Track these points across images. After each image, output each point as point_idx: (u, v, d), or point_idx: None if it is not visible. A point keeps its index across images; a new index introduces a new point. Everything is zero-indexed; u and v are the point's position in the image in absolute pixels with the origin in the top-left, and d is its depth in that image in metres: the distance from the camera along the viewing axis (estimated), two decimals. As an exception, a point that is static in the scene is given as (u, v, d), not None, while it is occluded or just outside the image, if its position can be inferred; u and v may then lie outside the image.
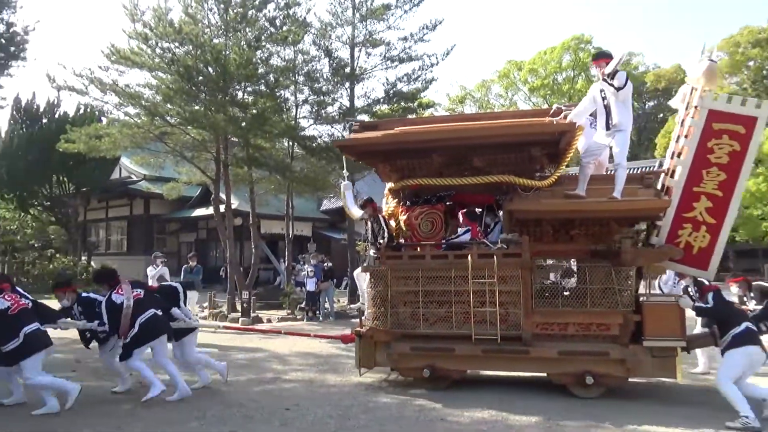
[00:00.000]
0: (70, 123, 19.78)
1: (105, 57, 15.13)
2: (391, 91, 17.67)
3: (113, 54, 15.01)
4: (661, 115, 37.40)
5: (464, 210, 7.54)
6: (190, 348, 7.12)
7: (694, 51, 12.60)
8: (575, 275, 7.09)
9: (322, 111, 17.12)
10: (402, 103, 17.81)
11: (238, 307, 14.94)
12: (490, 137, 6.74)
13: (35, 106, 25.47)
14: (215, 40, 15.15)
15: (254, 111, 14.91)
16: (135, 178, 27.31)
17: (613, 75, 6.41)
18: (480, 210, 7.58)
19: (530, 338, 6.57)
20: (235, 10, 15.25)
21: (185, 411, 6.03)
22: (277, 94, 16.17)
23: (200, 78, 14.74)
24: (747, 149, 6.54)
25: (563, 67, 40.69)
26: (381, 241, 7.16)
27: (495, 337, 6.61)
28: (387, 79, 18.00)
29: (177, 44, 14.84)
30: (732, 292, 7.04)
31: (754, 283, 6.84)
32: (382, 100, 17.84)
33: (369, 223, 7.65)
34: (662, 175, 7.10)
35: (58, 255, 24.56)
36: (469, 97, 40.99)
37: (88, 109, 23.79)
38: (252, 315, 14.17)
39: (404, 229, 7.44)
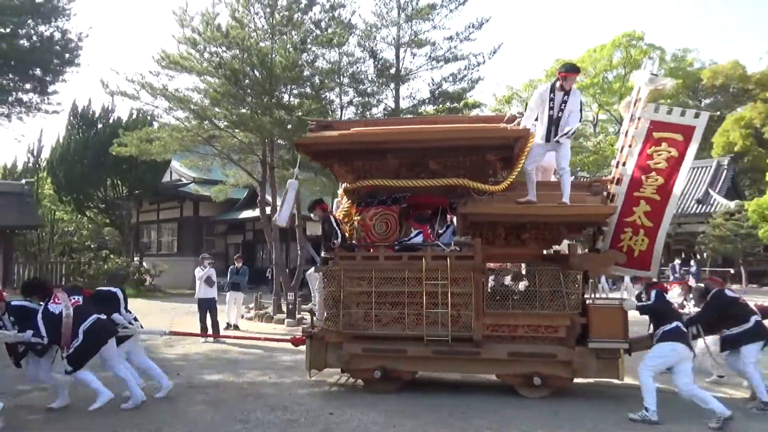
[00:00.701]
0: (123, 128, 19.89)
1: (156, 62, 15.38)
2: (437, 92, 17.32)
3: (163, 59, 15.25)
4: (719, 113, 36.14)
5: (416, 213, 7.56)
6: (137, 354, 6.86)
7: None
8: (524, 278, 7.25)
9: (367, 112, 16.90)
10: (447, 104, 17.45)
11: (284, 308, 14.87)
12: (448, 140, 6.81)
13: (91, 112, 26.08)
14: (261, 44, 15.30)
15: (300, 113, 14.88)
16: (185, 181, 27.91)
17: (570, 90, 6.61)
18: (432, 212, 7.64)
19: (481, 340, 6.65)
20: (281, 14, 15.46)
21: (228, 413, 5.99)
22: (323, 96, 16.22)
23: (247, 81, 14.93)
24: (685, 155, 6.89)
25: (614, 64, 39.13)
26: (334, 242, 7.10)
27: (446, 339, 6.66)
28: (432, 80, 17.60)
29: (224, 48, 15.14)
30: (673, 295, 7.38)
31: (693, 287, 7.19)
32: (427, 100, 17.51)
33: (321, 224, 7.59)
34: (609, 183, 7.37)
35: (112, 256, 25.26)
36: (516, 96, 38.51)
37: (140, 114, 24.19)
38: (297, 316, 13.98)
39: (358, 229, 7.40)
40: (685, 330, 6.08)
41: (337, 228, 7.48)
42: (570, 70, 6.66)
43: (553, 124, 6.69)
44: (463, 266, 6.77)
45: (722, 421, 5.47)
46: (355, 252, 7.17)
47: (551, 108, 6.71)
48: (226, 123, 15.44)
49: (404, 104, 17.63)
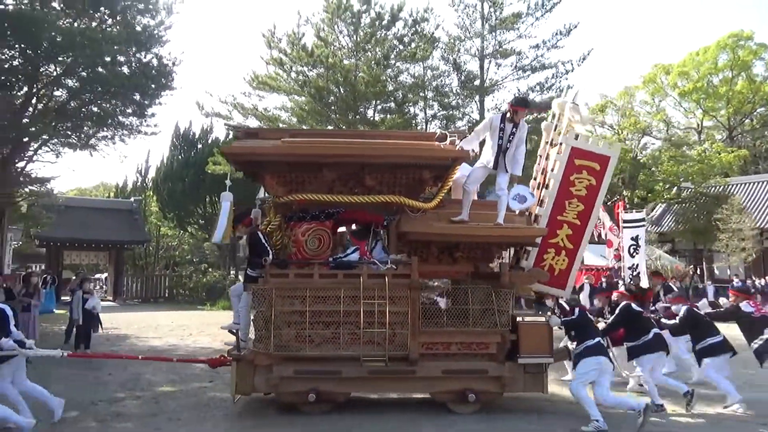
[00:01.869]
0: (218, 147, 19.86)
1: (247, 83, 16.08)
2: None
3: (253, 80, 16.00)
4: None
5: (353, 229, 7.41)
6: (19, 377, 6.25)
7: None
8: (450, 296, 7.37)
9: (452, 125, 16.47)
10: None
11: None
12: (387, 157, 6.75)
13: (191, 133, 27.41)
14: (345, 61, 15.47)
15: (383, 128, 14.59)
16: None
17: (519, 123, 6.85)
18: (366, 228, 7.53)
19: (417, 358, 6.65)
20: (364, 31, 15.66)
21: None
22: (406, 110, 16.11)
23: (331, 98, 15.18)
24: (601, 184, 7.46)
25: (719, 67, 36.06)
26: (266, 259, 6.72)
27: (383, 359, 6.57)
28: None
29: (309, 67, 15.54)
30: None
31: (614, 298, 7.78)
32: None
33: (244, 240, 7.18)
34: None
35: (210, 270, 26.55)
36: (610, 105, 36.16)
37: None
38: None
39: (288, 245, 7.07)
40: (604, 344, 6.56)
41: (266, 243, 7.10)
42: (519, 103, 6.91)
43: (501, 152, 6.90)
44: (400, 284, 6.74)
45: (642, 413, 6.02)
46: (287, 269, 6.83)
47: (500, 138, 6.91)
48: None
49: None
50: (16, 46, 9.85)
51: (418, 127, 16.28)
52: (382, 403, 7.32)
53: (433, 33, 16.71)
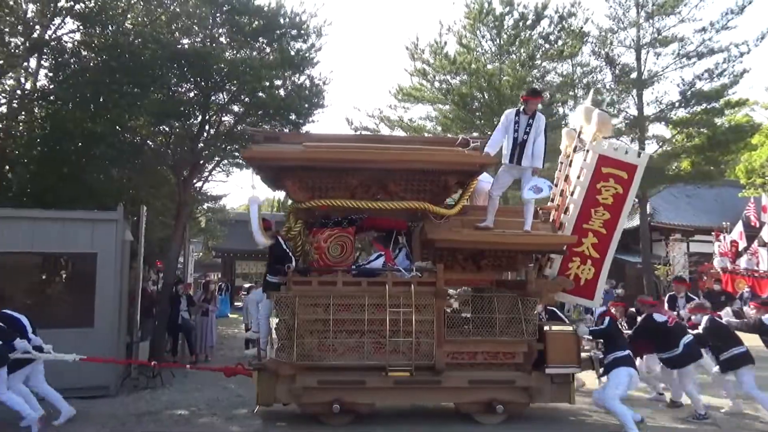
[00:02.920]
0: None
1: (392, 96, 16.42)
2: (689, 92, 15.53)
3: (399, 92, 16.37)
4: None
5: (377, 235, 7.28)
6: (37, 380, 6.47)
7: None
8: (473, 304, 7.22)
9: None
10: (703, 105, 15.68)
11: None
12: (414, 163, 6.62)
13: None
14: (489, 66, 15.29)
15: None
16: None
17: (534, 113, 6.76)
18: (388, 235, 7.41)
19: (443, 368, 6.51)
20: (507, 33, 15.42)
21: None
22: (554, 111, 15.58)
23: (475, 104, 15.10)
24: (628, 193, 7.34)
25: None
26: (288, 266, 6.58)
27: (409, 368, 6.43)
28: (682, 79, 15.85)
29: (452, 75, 15.52)
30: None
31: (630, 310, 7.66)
32: (677, 103, 15.75)
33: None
34: (553, 211, 7.63)
35: None
36: None
37: None
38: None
39: (310, 252, 6.94)
40: (633, 356, 6.44)
41: (288, 250, 6.97)
42: (531, 93, 6.82)
43: (518, 146, 6.80)
44: (425, 292, 6.61)
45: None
46: (310, 277, 6.69)
47: (516, 131, 6.81)
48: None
49: (649, 110, 15.98)
50: (192, 79, 10.96)
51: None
52: (405, 414, 7.16)
53: (581, 28, 15.84)
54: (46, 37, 10.67)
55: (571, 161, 7.75)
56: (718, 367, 7.30)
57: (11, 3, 10.41)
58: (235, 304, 23.23)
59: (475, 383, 6.60)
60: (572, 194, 7.36)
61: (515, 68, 15.50)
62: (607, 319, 6.78)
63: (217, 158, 12.96)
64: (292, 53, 11.86)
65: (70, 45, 10.91)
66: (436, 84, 16.20)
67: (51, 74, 10.84)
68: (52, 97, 10.32)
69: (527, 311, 6.73)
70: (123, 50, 10.04)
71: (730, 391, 7.29)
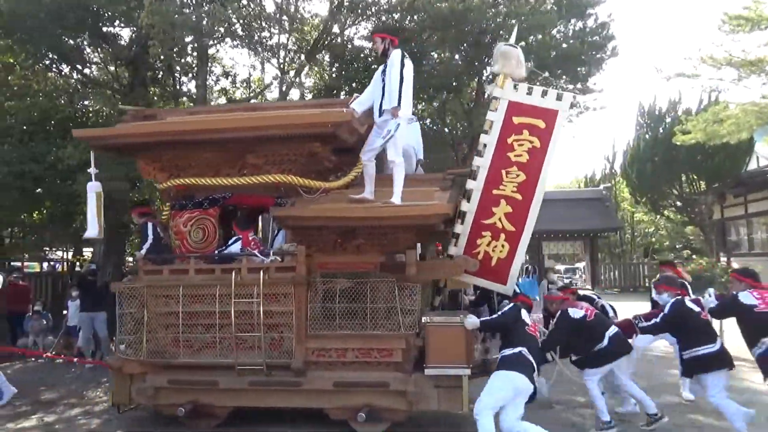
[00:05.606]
0: (689, 117, 18.21)
1: (718, 29, 13.25)
2: None
3: (725, 22, 12.95)
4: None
5: (237, 216, 6.42)
6: None
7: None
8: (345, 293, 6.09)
9: None
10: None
11: None
12: (259, 129, 5.66)
13: (657, 108, 25.73)
14: None
15: None
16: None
17: (385, 52, 5.55)
18: (255, 215, 6.54)
19: (301, 367, 5.55)
20: None
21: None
22: None
23: None
24: (547, 146, 5.79)
25: None
26: (136, 253, 5.97)
27: (261, 367, 5.56)
28: None
29: None
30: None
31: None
32: None
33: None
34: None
35: (694, 256, 23.84)
36: None
37: (710, 98, 21.78)
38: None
39: (173, 238, 6.26)
40: (529, 358, 5.01)
41: (151, 236, 6.37)
42: (377, 30, 5.61)
43: (382, 95, 5.62)
44: (284, 280, 5.67)
45: None
46: (162, 265, 6.02)
47: (383, 80, 5.65)
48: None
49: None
50: (454, 45, 10.87)
51: None
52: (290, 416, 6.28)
53: None
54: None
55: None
56: (681, 368, 5.62)
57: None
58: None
59: (341, 386, 5.56)
60: (480, 155, 5.95)
61: None
62: (509, 306, 5.40)
63: None
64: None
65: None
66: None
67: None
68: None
69: (406, 300, 5.54)
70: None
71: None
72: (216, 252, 6.08)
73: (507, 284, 5.97)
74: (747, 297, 5.13)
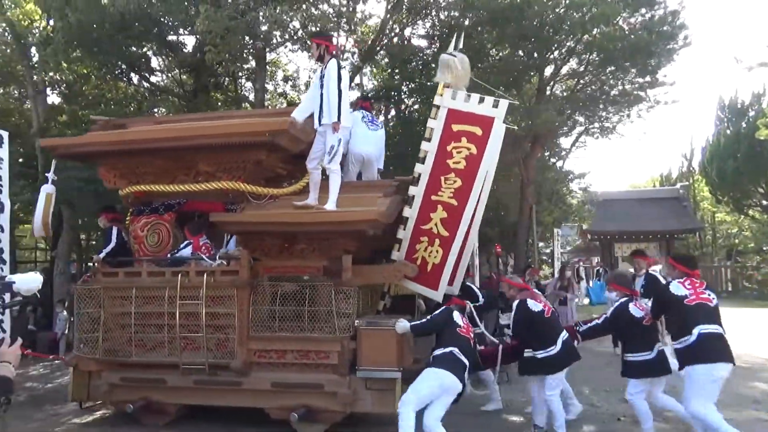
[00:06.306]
0: None
1: None
2: None
3: None
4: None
5: (189, 222, 6.68)
6: None
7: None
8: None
9: None
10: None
11: None
12: (200, 139, 5.92)
13: (739, 102, 24.66)
14: None
15: None
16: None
17: (321, 58, 5.72)
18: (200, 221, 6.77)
19: (240, 368, 5.76)
20: None
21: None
22: None
23: None
24: (484, 153, 5.85)
25: None
26: (94, 256, 6.30)
27: (203, 366, 5.80)
28: None
29: None
30: None
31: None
32: None
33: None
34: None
35: None
36: None
37: None
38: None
39: (132, 242, 6.57)
40: (461, 358, 5.07)
41: (114, 240, 6.69)
42: (312, 36, 5.77)
43: (322, 103, 5.80)
44: (228, 283, 5.90)
45: None
46: (117, 268, 6.34)
47: (321, 87, 5.82)
48: None
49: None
50: (521, 44, 10.79)
51: None
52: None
53: None
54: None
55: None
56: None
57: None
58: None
59: (278, 386, 5.75)
60: (422, 162, 6.07)
61: None
62: (440, 310, 5.48)
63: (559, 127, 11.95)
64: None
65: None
66: None
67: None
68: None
69: (341, 303, 5.70)
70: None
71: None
72: (169, 255, 6.35)
73: (438, 290, 6.01)
74: (677, 287, 5.00)
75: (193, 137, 6.01)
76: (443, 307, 5.54)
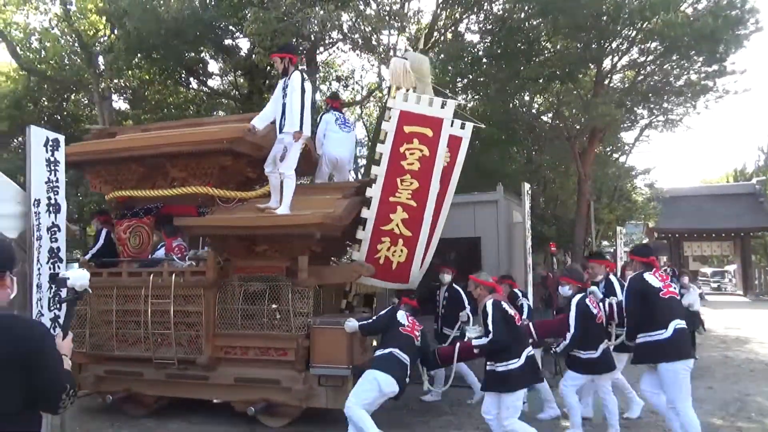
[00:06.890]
0: None
1: None
2: None
3: None
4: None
5: (164, 225, 7.05)
6: None
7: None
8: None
9: None
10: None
11: None
12: (168, 146, 6.29)
13: None
14: None
15: None
16: None
17: (286, 71, 5.92)
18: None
19: (206, 363, 6.09)
20: None
21: None
22: None
23: None
24: (436, 154, 5.91)
25: None
26: (79, 257, 6.78)
27: (173, 361, 6.18)
28: None
29: None
30: None
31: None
32: None
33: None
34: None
35: None
36: None
37: None
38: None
39: (117, 244, 7.03)
40: (402, 359, 5.18)
41: (102, 241, 7.17)
42: (279, 49, 5.97)
43: (283, 114, 6.02)
44: (196, 282, 6.24)
45: None
46: (101, 268, 6.81)
47: (284, 97, 6.05)
48: None
49: None
50: (577, 35, 10.76)
51: None
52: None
53: None
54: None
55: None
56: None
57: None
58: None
59: (240, 381, 6.04)
60: (378, 164, 6.19)
61: None
62: (385, 310, 5.62)
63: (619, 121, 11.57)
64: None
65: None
66: None
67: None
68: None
69: (297, 303, 5.92)
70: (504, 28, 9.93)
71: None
72: (149, 257, 6.77)
73: (408, 282, 6.17)
74: (653, 279, 4.88)
75: (164, 145, 6.38)
76: (388, 308, 5.65)
